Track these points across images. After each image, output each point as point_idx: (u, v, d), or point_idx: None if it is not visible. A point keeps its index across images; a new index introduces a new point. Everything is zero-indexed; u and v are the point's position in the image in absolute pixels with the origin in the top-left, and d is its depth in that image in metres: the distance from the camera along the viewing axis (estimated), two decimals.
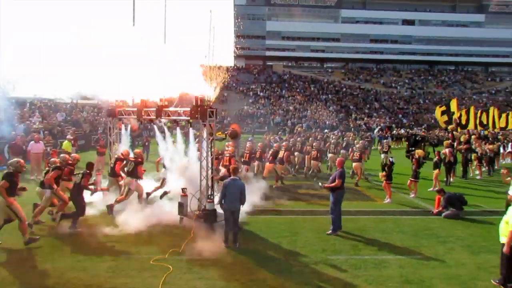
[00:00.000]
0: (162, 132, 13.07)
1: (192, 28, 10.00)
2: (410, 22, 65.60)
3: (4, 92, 14.28)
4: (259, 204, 11.45)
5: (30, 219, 8.81)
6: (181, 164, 11.06)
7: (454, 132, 21.92)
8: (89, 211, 9.78)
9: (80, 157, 11.15)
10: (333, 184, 9.12)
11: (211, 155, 9.15)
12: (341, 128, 40.35)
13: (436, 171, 14.53)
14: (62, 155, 10.26)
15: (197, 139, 11.85)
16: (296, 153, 17.64)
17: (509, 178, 9.99)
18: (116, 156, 11.47)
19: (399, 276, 6.87)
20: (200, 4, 9.98)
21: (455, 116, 23.23)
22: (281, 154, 14.94)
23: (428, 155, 21.80)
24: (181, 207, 9.31)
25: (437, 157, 15.08)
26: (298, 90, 56.59)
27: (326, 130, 32.76)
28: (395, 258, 7.73)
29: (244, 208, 8.90)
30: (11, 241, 8.08)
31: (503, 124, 27.62)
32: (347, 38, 64.73)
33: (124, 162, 10.92)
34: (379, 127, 38.02)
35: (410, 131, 32.92)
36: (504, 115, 28.11)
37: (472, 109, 25.06)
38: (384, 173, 12.69)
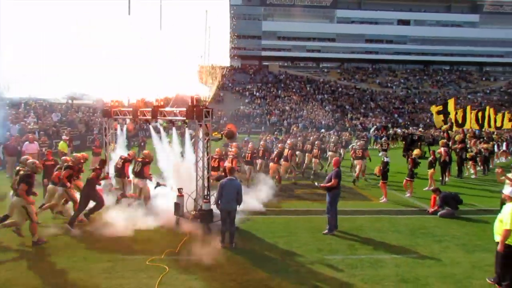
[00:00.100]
0: (158, 132, 13.05)
1: (187, 28, 9.95)
2: (405, 22, 65.85)
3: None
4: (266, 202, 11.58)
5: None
6: (176, 164, 11.07)
7: (449, 132, 22.05)
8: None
9: None
10: (329, 184, 9.13)
11: (207, 155, 9.13)
12: (337, 128, 40.44)
13: (431, 170, 14.59)
14: (74, 154, 10.45)
15: (193, 139, 11.86)
16: (297, 152, 17.86)
17: (503, 177, 10.03)
18: (124, 157, 11.48)
19: (395, 275, 6.90)
20: (195, 4, 9.94)
21: (451, 116, 23.37)
22: (285, 152, 15.10)
23: (424, 154, 21.93)
24: (177, 207, 9.28)
25: (432, 157, 15.15)
26: (294, 90, 56.65)
27: (322, 130, 32.82)
28: (391, 257, 7.76)
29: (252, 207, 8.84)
30: (6, 241, 8.05)
31: (498, 124, 27.84)
32: (342, 38, 64.84)
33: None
34: (375, 126, 38.13)
35: (406, 131, 33.02)
36: (500, 115, 28.33)
37: (468, 109, 25.24)
38: (379, 167, 12.76)
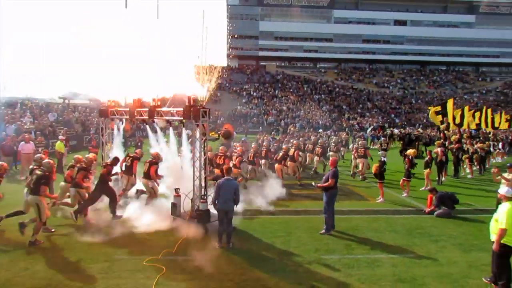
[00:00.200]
0: (155, 132, 13.03)
1: (185, 28, 9.94)
2: (402, 23, 66.13)
3: None
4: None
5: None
6: (173, 164, 11.06)
7: (446, 132, 22.14)
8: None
9: (72, 157, 11.08)
10: (326, 184, 9.14)
11: (204, 155, 9.12)
12: (334, 128, 40.54)
13: (427, 170, 14.64)
14: (87, 155, 10.59)
15: (190, 139, 11.84)
16: (300, 153, 17.84)
17: (499, 177, 10.09)
18: (132, 155, 11.70)
19: (392, 275, 6.91)
20: (192, 4, 9.94)
21: (449, 116, 23.44)
22: (291, 152, 15.24)
23: (422, 154, 22.04)
24: (174, 207, 9.27)
25: (428, 157, 15.20)
26: (291, 90, 56.73)
27: (320, 130, 32.89)
28: (388, 257, 7.77)
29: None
30: (4, 242, 8.04)
31: (496, 124, 27.96)
32: (339, 38, 65.04)
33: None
34: (372, 126, 38.24)
35: (403, 131, 33.17)
36: (497, 115, 28.46)
37: (466, 109, 25.33)
38: (376, 166, 12.82)
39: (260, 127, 40.54)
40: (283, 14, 63.83)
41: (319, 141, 17.89)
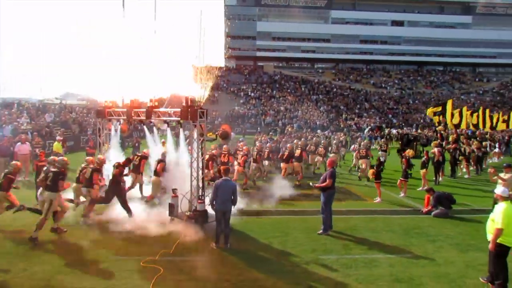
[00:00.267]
0: (151, 132, 13.04)
1: (182, 28, 9.94)
2: (399, 23, 66.23)
3: None
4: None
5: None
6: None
7: (443, 132, 22.22)
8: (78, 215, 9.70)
9: (69, 158, 11.04)
10: (324, 184, 9.15)
11: (202, 155, 9.12)
12: (331, 128, 40.57)
13: (424, 170, 14.67)
14: (98, 156, 10.86)
15: (187, 140, 11.86)
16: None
17: (496, 177, 10.13)
18: (140, 154, 12.04)
19: (389, 275, 6.92)
20: (190, 4, 9.93)
21: (447, 116, 23.54)
22: (297, 152, 15.49)
23: (420, 154, 22.10)
24: (172, 208, 9.25)
25: (425, 157, 15.24)
26: (289, 90, 56.72)
27: (318, 131, 32.91)
28: (385, 257, 7.79)
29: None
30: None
31: (493, 124, 28.06)
32: (337, 38, 65.09)
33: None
34: (369, 127, 38.31)
35: (401, 131, 33.27)
36: (495, 116, 28.56)
37: (464, 110, 25.43)
38: (373, 170, 12.86)
39: (258, 128, 40.54)
40: (281, 14, 63.83)
41: (322, 142, 18.23)
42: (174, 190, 9.35)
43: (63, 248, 7.94)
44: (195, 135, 9.11)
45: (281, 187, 13.14)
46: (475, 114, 26.66)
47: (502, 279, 6.16)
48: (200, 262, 7.28)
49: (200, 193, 9.09)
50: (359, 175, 16.68)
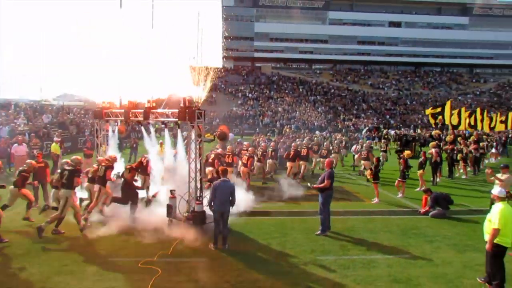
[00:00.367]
0: (149, 133, 13.04)
1: (180, 29, 9.93)
2: (397, 24, 66.46)
3: None
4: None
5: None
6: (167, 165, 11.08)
7: (440, 133, 22.30)
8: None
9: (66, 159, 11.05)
10: (322, 185, 9.16)
11: (200, 156, 9.11)
12: (329, 129, 40.63)
13: (421, 171, 14.72)
14: (110, 154, 11.11)
15: (185, 141, 11.86)
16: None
17: (493, 178, 10.17)
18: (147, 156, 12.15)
19: (387, 276, 6.94)
20: (187, 4, 9.93)
21: (446, 117, 23.62)
22: (303, 152, 15.91)
23: (418, 154, 22.20)
24: (170, 209, 9.24)
25: (422, 157, 15.28)
26: (286, 91, 56.78)
27: (317, 132, 32.96)
28: (383, 258, 7.80)
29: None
30: None
31: (492, 125, 28.16)
32: (334, 39, 65.25)
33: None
34: (367, 128, 38.39)
35: (398, 132, 33.37)
36: (493, 117, 28.66)
37: (463, 111, 25.51)
38: (370, 171, 12.90)
39: (257, 128, 40.56)
40: (278, 15, 63.93)
41: (325, 143, 18.74)
42: (172, 191, 9.34)
43: (61, 249, 7.92)
44: (193, 136, 9.10)
45: (283, 187, 13.35)
46: (472, 115, 26.75)
47: (499, 279, 6.18)
48: (199, 263, 7.28)
49: (198, 194, 9.08)
50: (359, 171, 17.36)
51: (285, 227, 9.71)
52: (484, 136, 29.01)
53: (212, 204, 8.02)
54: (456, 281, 6.76)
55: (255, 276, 6.81)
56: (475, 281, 6.70)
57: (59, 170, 10.06)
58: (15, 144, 15.73)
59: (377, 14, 65.44)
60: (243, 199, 10.98)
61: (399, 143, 24.92)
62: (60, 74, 10.10)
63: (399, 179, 13.61)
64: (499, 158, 24.29)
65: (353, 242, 8.69)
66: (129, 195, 9.79)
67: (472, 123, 26.35)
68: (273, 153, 16.55)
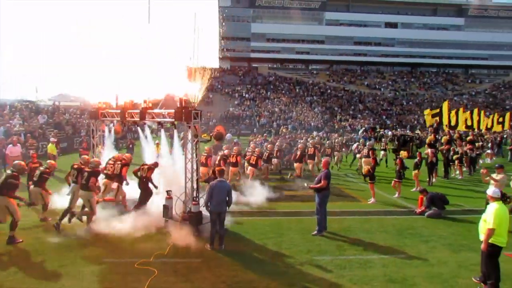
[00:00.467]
0: (145, 133, 13.00)
1: (176, 30, 9.92)
2: (393, 25, 66.65)
3: None
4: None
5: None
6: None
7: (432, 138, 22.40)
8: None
9: (63, 160, 11.04)
10: (318, 185, 9.18)
11: (196, 157, 9.10)
12: (326, 129, 40.70)
13: (415, 171, 14.78)
14: (126, 153, 11.62)
15: (182, 141, 11.83)
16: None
17: (488, 178, 10.22)
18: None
19: (383, 276, 6.96)
20: (184, 5, 9.92)
21: (444, 118, 23.71)
22: (309, 151, 16.30)
23: (415, 154, 22.35)
24: (166, 209, 9.22)
25: (418, 158, 15.34)
26: (283, 91, 56.84)
27: (315, 132, 33.04)
28: (379, 258, 7.83)
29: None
30: None
31: (489, 125, 28.30)
32: (331, 40, 65.37)
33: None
34: (364, 128, 38.48)
35: (395, 132, 33.52)
36: (490, 117, 28.81)
37: (461, 111, 25.60)
38: (367, 168, 12.95)
39: (254, 129, 40.57)
40: (275, 16, 63.99)
41: (327, 142, 19.40)
42: (168, 192, 9.32)
43: (56, 250, 7.88)
44: (189, 136, 9.09)
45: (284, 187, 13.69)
46: (468, 115, 26.86)
47: (494, 279, 6.22)
48: (195, 263, 7.27)
49: (195, 195, 9.07)
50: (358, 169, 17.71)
51: (281, 227, 9.72)
52: (480, 137, 29.14)
53: (209, 204, 8.02)
54: (451, 281, 6.80)
55: (251, 277, 6.81)
56: (470, 281, 6.74)
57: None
58: (10, 145, 15.64)
59: (373, 15, 65.63)
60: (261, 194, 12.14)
61: (396, 143, 25.07)
62: (57, 74, 10.07)
63: (395, 180, 13.66)
64: (494, 158, 24.41)
65: (349, 242, 8.71)
66: (147, 193, 10.12)
67: (469, 123, 26.46)
68: (278, 152, 17.03)
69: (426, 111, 26.49)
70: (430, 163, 16.20)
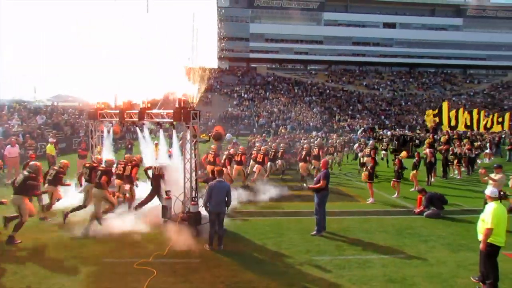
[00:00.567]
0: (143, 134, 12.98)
1: (175, 30, 9.91)
2: (391, 25, 66.72)
3: None
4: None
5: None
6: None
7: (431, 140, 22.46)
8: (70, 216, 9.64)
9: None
10: (317, 185, 9.18)
11: (195, 157, 9.10)
12: (325, 130, 40.73)
13: (414, 171, 14.79)
14: (138, 155, 11.72)
15: (180, 141, 11.83)
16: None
17: (486, 178, 10.25)
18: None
19: (383, 275, 6.96)
20: (182, 5, 9.91)
21: (444, 118, 23.76)
22: (315, 151, 16.36)
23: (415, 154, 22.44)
24: (165, 210, 9.21)
25: (416, 158, 15.36)
26: (282, 92, 56.86)
27: (314, 132, 33.06)
28: (379, 258, 7.83)
29: None
30: None
31: (488, 125, 28.34)
32: (329, 40, 65.42)
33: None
34: (362, 128, 38.52)
35: (394, 132, 33.58)
36: (490, 117, 28.86)
37: (461, 111, 25.65)
38: (366, 173, 12.96)
39: (254, 129, 40.57)
40: (274, 16, 64.01)
41: (329, 141, 19.69)
42: (167, 192, 9.31)
43: (54, 250, 7.86)
44: (188, 137, 9.09)
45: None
46: (468, 115, 26.89)
47: (492, 278, 6.22)
48: (194, 264, 7.27)
49: (194, 195, 9.06)
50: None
51: (281, 227, 9.72)
52: (478, 137, 29.21)
53: (208, 204, 8.01)
54: (450, 281, 6.81)
55: (250, 277, 6.81)
56: (469, 280, 6.74)
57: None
58: (8, 146, 15.61)
59: (372, 15, 65.69)
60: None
61: (396, 143, 25.16)
62: (56, 75, 10.06)
63: (394, 180, 13.69)
64: (492, 158, 24.49)
65: (348, 242, 8.72)
66: (157, 190, 10.22)
67: (468, 123, 26.51)
68: (283, 153, 17.29)
69: (428, 112, 26.54)
70: (429, 163, 16.23)
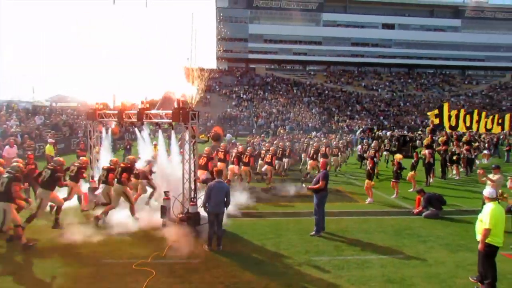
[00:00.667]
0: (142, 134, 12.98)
1: (174, 30, 9.91)
2: (390, 26, 66.89)
3: None
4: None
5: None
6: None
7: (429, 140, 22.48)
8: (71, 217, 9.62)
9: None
10: (316, 186, 9.19)
11: (194, 157, 9.10)
12: (324, 130, 40.76)
13: (412, 172, 14.81)
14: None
15: (179, 142, 11.84)
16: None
17: (484, 178, 10.26)
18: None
19: (381, 276, 6.97)
20: (182, 5, 9.92)
21: (445, 119, 23.76)
22: (322, 150, 16.68)
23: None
24: (164, 210, 9.21)
25: (415, 159, 15.38)
26: (281, 92, 56.90)
27: (313, 133, 33.08)
28: (377, 258, 7.83)
29: None
30: None
31: (488, 126, 28.35)
32: (328, 41, 65.52)
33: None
34: (361, 129, 38.57)
35: (393, 133, 33.62)
36: (491, 118, 28.87)
37: (462, 112, 25.66)
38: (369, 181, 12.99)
39: (253, 130, 40.58)
40: (273, 17, 64.09)
41: (333, 142, 19.98)
42: (166, 193, 9.31)
43: (53, 251, 7.85)
44: (187, 137, 9.09)
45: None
46: (468, 116, 26.89)
47: (491, 278, 6.24)
48: (193, 264, 7.26)
49: (193, 195, 9.06)
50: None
51: (280, 228, 9.72)
52: (477, 138, 29.23)
53: (207, 205, 8.01)
54: (449, 281, 6.81)
55: (249, 277, 6.81)
56: (467, 281, 6.75)
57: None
58: (7, 146, 15.58)
59: (371, 16, 65.81)
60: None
61: (396, 143, 25.22)
62: (55, 75, 10.05)
63: (393, 180, 13.71)
64: (491, 159, 24.53)
65: (347, 243, 8.72)
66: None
67: (468, 124, 26.52)
68: (290, 152, 17.67)
69: (430, 113, 26.54)
70: (427, 164, 16.25)
